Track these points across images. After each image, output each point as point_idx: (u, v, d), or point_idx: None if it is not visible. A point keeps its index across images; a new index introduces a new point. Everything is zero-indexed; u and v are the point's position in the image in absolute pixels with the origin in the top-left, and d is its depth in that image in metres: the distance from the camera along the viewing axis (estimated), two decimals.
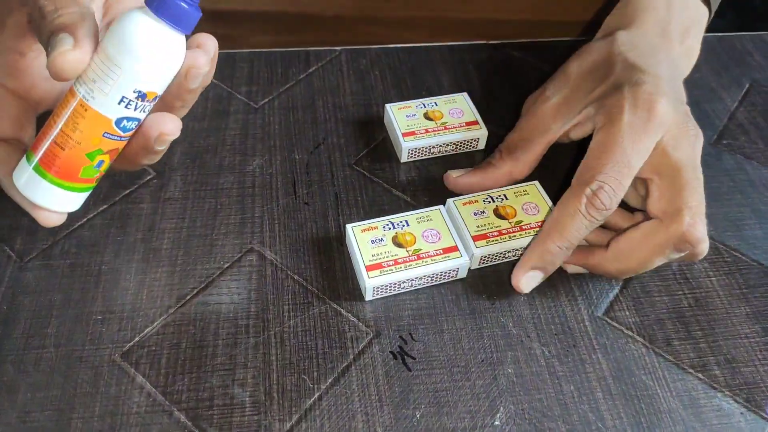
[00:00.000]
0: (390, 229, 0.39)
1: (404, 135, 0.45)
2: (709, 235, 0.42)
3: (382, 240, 0.39)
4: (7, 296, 0.38)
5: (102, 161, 0.34)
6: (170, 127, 0.34)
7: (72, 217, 0.42)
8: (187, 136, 0.47)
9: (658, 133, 0.37)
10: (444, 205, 0.41)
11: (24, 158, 0.35)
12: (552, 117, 0.41)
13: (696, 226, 0.36)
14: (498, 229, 0.39)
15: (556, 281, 0.40)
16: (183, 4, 0.31)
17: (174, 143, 0.46)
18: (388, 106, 0.47)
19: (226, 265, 0.39)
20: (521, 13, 0.75)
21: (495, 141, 0.47)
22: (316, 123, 0.48)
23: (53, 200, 0.35)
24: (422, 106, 0.47)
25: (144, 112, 0.34)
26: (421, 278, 0.38)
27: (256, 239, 0.41)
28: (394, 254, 0.38)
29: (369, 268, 0.37)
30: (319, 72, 0.52)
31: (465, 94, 0.48)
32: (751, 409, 0.35)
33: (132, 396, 0.34)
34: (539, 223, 0.40)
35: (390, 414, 0.34)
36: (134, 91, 0.32)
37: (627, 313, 0.38)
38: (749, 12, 0.62)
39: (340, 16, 0.69)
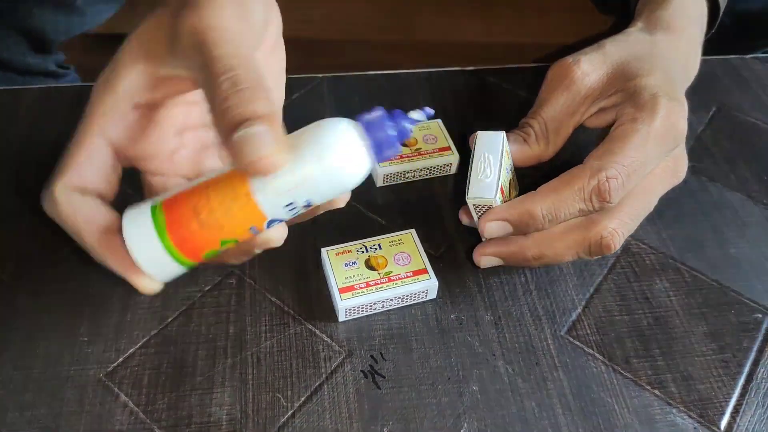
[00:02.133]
0: (363, 252, 0.41)
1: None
2: (671, 256, 0.44)
3: (355, 263, 0.40)
4: None
5: (235, 241, 0.32)
6: (278, 235, 0.32)
7: (61, 243, 0.44)
8: None
9: (674, 148, 0.38)
10: (414, 230, 0.43)
11: (148, 214, 0.31)
12: (583, 97, 0.40)
13: (615, 237, 0.37)
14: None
15: (522, 301, 0.41)
16: (392, 133, 0.30)
17: None
18: None
19: (206, 288, 0.41)
20: (502, 37, 0.77)
21: (468, 163, 0.50)
22: None
23: (160, 269, 0.32)
24: None
25: (293, 214, 0.31)
26: (391, 299, 0.40)
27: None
28: (366, 276, 0.40)
29: (342, 291, 0.39)
30: (301, 99, 0.54)
31: (439, 120, 0.50)
32: (704, 424, 0.36)
33: (115, 414, 0.36)
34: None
35: (360, 431, 0.35)
36: (306, 201, 0.30)
37: (588, 331, 0.40)
38: (720, 33, 0.64)
39: (326, 41, 0.71)
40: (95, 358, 0.38)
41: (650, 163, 0.37)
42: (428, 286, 0.40)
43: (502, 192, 0.38)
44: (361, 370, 0.38)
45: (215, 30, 0.29)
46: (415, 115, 0.32)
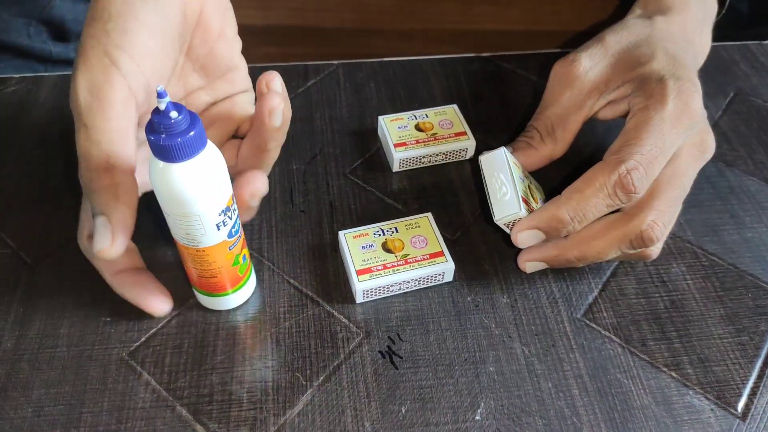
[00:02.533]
0: (380, 235, 0.41)
1: (396, 145, 0.47)
2: (688, 240, 0.44)
3: (372, 246, 0.41)
4: (23, 299, 0.40)
5: (244, 256, 0.38)
6: (259, 185, 0.36)
7: None
8: None
9: (691, 129, 0.37)
10: (430, 213, 0.43)
11: (195, 290, 0.40)
12: (589, 90, 0.40)
13: (655, 229, 0.37)
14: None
15: (538, 284, 0.42)
16: (179, 140, 0.30)
17: None
18: (381, 118, 0.49)
19: None
20: (517, 25, 0.77)
21: (484, 149, 0.50)
22: (314, 134, 0.51)
23: (241, 298, 0.40)
24: (413, 117, 0.49)
25: (235, 206, 0.35)
26: (408, 282, 0.40)
27: (255, 246, 0.43)
28: (383, 259, 0.40)
29: (360, 273, 0.39)
30: (317, 85, 0.55)
31: (455, 105, 0.50)
32: (721, 405, 0.37)
33: (138, 392, 0.36)
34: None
35: (377, 409, 0.36)
36: (218, 215, 0.34)
37: (605, 314, 0.40)
38: (737, 20, 0.64)
39: (341, 29, 0.71)
40: (117, 337, 0.39)
41: (670, 147, 0.37)
42: (445, 268, 0.40)
43: (525, 202, 0.39)
44: (379, 351, 0.38)
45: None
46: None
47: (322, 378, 0.37)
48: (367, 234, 0.42)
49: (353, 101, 0.53)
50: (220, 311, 0.40)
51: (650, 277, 0.42)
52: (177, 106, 0.30)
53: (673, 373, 0.38)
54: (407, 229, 0.42)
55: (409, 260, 0.40)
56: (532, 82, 0.56)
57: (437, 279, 0.41)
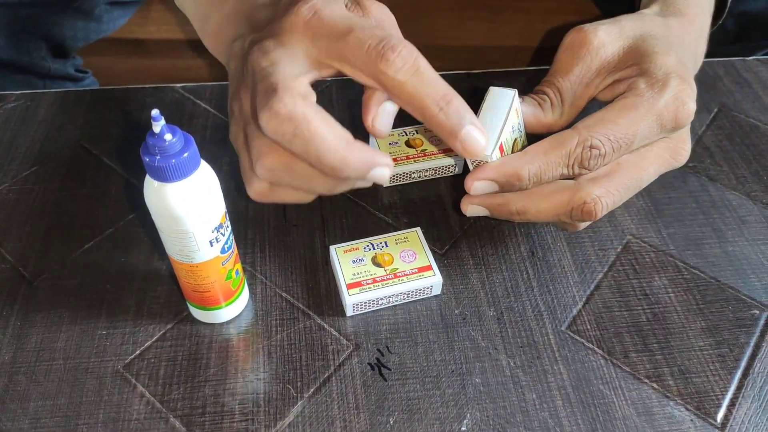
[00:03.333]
0: (370, 249, 0.43)
1: None
2: (670, 254, 0.45)
3: (362, 260, 0.42)
4: (21, 313, 0.41)
5: (237, 270, 0.39)
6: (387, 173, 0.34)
7: (81, 240, 0.45)
8: None
9: (674, 131, 0.38)
10: (419, 228, 0.44)
11: (189, 304, 0.41)
12: (598, 70, 0.40)
13: (597, 205, 0.37)
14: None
15: (524, 297, 0.43)
16: (174, 162, 0.31)
17: None
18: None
19: None
20: (509, 40, 0.79)
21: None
22: None
23: (233, 311, 0.41)
24: (404, 134, 0.50)
25: (227, 222, 0.37)
26: (397, 295, 0.41)
27: (248, 260, 0.44)
28: (373, 273, 0.41)
29: (350, 286, 0.41)
30: None
31: None
32: (701, 416, 0.38)
33: (132, 404, 0.37)
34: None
35: (366, 420, 0.37)
36: (211, 232, 0.35)
37: (588, 327, 0.41)
38: (722, 37, 0.65)
39: None
40: (113, 350, 0.40)
41: (640, 140, 0.37)
42: (433, 282, 0.41)
43: (501, 151, 0.38)
44: (368, 363, 0.39)
45: None
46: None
47: (312, 390, 0.38)
48: (357, 248, 0.43)
49: (346, 118, 0.55)
50: (213, 324, 0.41)
51: (633, 290, 0.43)
52: (171, 129, 0.31)
53: (655, 385, 0.39)
54: (396, 243, 0.43)
55: (398, 274, 0.41)
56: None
57: (426, 292, 0.42)
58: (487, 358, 0.40)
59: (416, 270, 0.42)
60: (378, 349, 0.40)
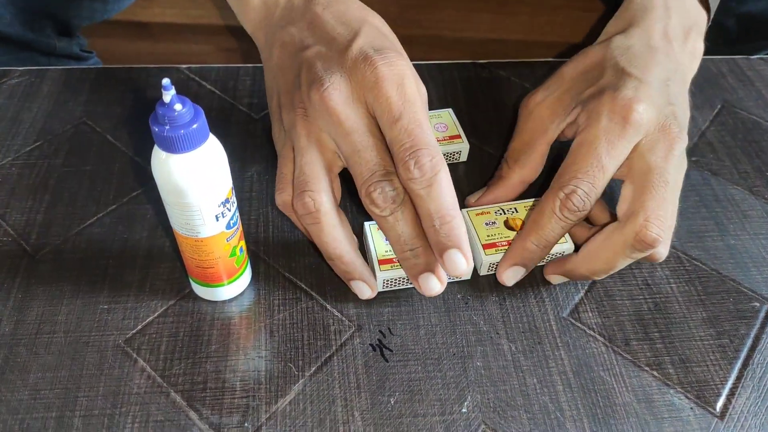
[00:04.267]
0: None
1: None
2: (673, 245, 0.46)
3: None
4: (22, 286, 0.41)
5: (241, 248, 0.39)
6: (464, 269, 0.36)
7: (83, 216, 0.45)
8: None
9: (634, 137, 0.39)
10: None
11: (191, 281, 0.41)
12: (548, 118, 0.43)
13: (649, 227, 0.37)
14: (507, 239, 0.42)
15: (526, 284, 0.43)
16: (182, 132, 0.31)
17: None
18: None
19: None
20: (514, 34, 0.79)
21: (477, 153, 0.51)
22: None
23: (236, 289, 0.41)
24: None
25: (234, 198, 0.36)
26: None
27: (252, 239, 0.44)
28: None
29: (381, 262, 0.40)
30: None
31: (450, 109, 0.52)
32: (701, 405, 0.38)
33: (133, 378, 0.37)
34: None
35: (367, 400, 0.37)
36: (217, 206, 0.35)
37: (590, 314, 0.42)
38: (725, 36, 0.66)
39: None
40: (114, 325, 0.40)
41: (610, 161, 0.38)
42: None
43: (492, 245, 0.42)
44: (370, 344, 0.39)
45: None
46: None
47: (313, 369, 0.38)
48: None
49: None
50: (215, 302, 0.41)
51: (635, 279, 0.44)
52: (181, 99, 0.31)
53: (655, 373, 0.39)
54: None
55: None
56: (526, 89, 0.57)
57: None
58: (488, 342, 0.40)
59: None
60: (380, 331, 0.40)
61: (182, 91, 0.55)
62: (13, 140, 0.50)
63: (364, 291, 0.40)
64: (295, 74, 0.39)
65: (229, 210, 0.36)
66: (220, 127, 0.52)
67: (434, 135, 0.50)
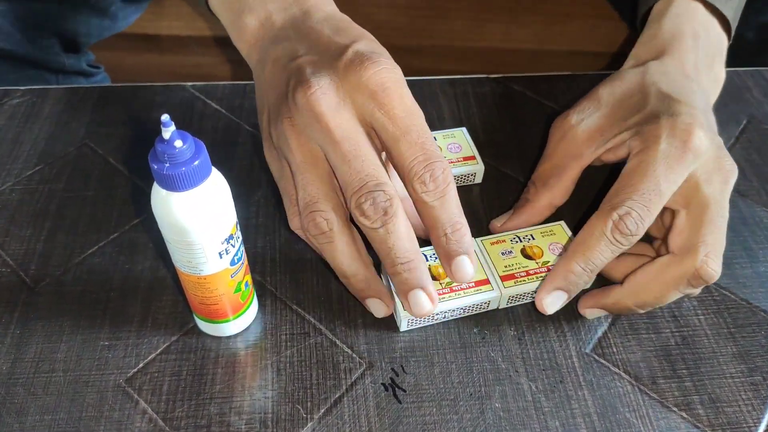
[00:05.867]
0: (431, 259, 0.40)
1: None
2: None
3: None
4: (21, 321, 0.40)
5: (246, 282, 0.37)
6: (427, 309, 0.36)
7: (83, 244, 0.44)
8: None
9: (692, 164, 0.37)
10: (474, 239, 0.42)
11: (195, 316, 0.39)
12: (585, 142, 0.42)
13: (710, 264, 0.36)
14: (526, 269, 0.40)
15: (546, 316, 0.41)
16: (183, 170, 0.29)
17: None
18: None
19: None
20: (526, 43, 0.76)
21: (493, 173, 0.49)
22: None
23: (242, 325, 0.39)
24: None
25: (239, 233, 0.35)
26: (453, 311, 0.39)
27: (258, 270, 0.43)
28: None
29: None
30: None
31: (464, 129, 0.50)
32: None
33: (134, 421, 0.36)
34: (470, 284, 0.40)
35: None
36: (221, 243, 0.33)
37: (614, 350, 0.39)
38: (743, 46, 0.63)
39: None
40: (115, 363, 0.38)
41: (667, 186, 0.37)
42: (490, 297, 0.39)
43: (511, 277, 0.40)
44: (382, 383, 0.37)
45: None
46: None
47: (323, 411, 0.36)
48: None
49: None
50: (220, 338, 0.39)
51: (661, 311, 0.41)
52: (182, 135, 0.29)
53: (684, 414, 0.37)
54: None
55: (454, 288, 0.39)
56: (543, 105, 0.55)
57: (482, 307, 0.40)
58: (507, 381, 0.38)
59: (473, 284, 0.39)
60: (392, 369, 0.38)
61: (187, 110, 0.53)
62: (13, 164, 0.49)
63: (380, 309, 0.38)
64: (285, 84, 0.37)
65: (233, 246, 0.34)
66: (225, 149, 0.50)
67: (447, 156, 0.48)
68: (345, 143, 0.35)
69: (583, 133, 0.42)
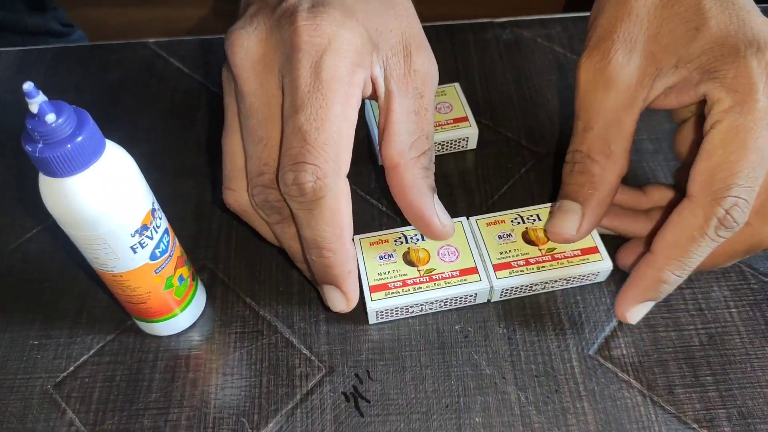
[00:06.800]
0: (402, 243, 0.34)
1: None
2: None
3: (392, 256, 0.34)
4: None
5: (181, 276, 0.32)
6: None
7: (21, 229, 0.39)
8: (150, 134, 0.43)
9: None
10: (466, 218, 0.36)
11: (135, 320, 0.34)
12: (638, 83, 0.31)
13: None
14: (525, 257, 0.34)
15: (543, 310, 0.34)
16: (63, 150, 0.24)
17: (133, 143, 0.42)
18: (368, 100, 0.41)
19: None
20: None
21: (492, 137, 0.42)
22: None
23: (183, 323, 0.34)
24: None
25: (160, 221, 0.29)
26: (431, 303, 0.33)
27: (210, 255, 0.37)
28: (404, 274, 0.33)
29: (374, 289, 0.33)
30: None
31: (456, 84, 0.43)
32: None
33: None
34: (575, 252, 0.34)
35: None
36: (131, 236, 0.28)
37: (624, 351, 0.33)
38: None
39: None
40: (44, 366, 0.33)
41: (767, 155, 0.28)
42: (478, 288, 0.33)
43: (506, 266, 0.34)
44: (342, 392, 0.32)
45: None
46: None
47: (271, 425, 0.31)
48: (386, 240, 0.35)
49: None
50: (160, 337, 0.34)
51: (684, 303, 0.34)
52: (56, 106, 0.24)
53: (705, 431, 0.30)
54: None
55: (434, 276, 0.33)
56: (557, 54, 0.47)
57: (468, 301, 0.34)
58: (491, 390, 0.32)
59: (457, 272, 0.33)
60: (356, 374, 0.32)
61: (146, 69, 0.47)
62: None
63: (337, 302, 0.32)
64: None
65: (151, 238, 0.29)
66: (185, 114, 0.44)
67: (436, 118, 0.41)
68: (252, 119, 0.29)
69: (634, 73, 0.31)
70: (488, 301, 0.35)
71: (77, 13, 0.74)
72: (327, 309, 0.34)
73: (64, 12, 0.67)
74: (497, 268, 0.34)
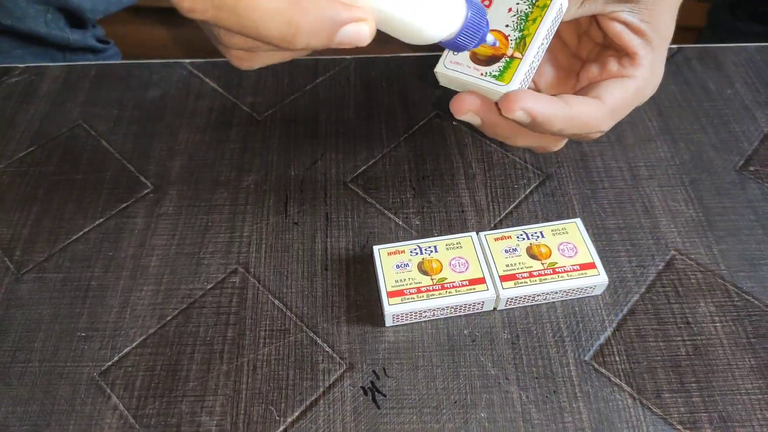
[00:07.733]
0: (417, 254, 0.38)
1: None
2: (720, 274, 0.39)
3: (407, 265, 0.38)
4: (1, 308, 0.39)
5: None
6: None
7: (69, 230, 0.43)
8: (188, 148, 0.47)
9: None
10: (476, 233, 0.39)
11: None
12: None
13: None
14: (529, 270, 0.38)
15: (545, 319, 0.38)
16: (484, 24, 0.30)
17: (172, 155, 0.46)
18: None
19: (209, 286, 0.40)
20: None
21: (498, 160, 0.46)
22: (317, 137, 0.48)
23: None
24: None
25: None
26: (443, 309, 0.37)
27: (242, 259, 0.41)
28: (418, 282, 0.37)
29: (391, 295, 0.36)
30: (326, 82, 0.51)
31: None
32: None
33: (105, 416, 0.35)
34: (574, 267, 0.38)
35: None
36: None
37: (617, 358, 0.36)
38: None
39: None
40: (90, 355, 0.37)
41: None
42: (484, 297, 0.37)
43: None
44: (361, 386, 0.35)
45: None
46: (489, 38, 0.32)
47: (297, 413, 0.34)
48: (402, 251, 0.38)
49: (362, 100, 0.50)
50: (197, 332, 0.38)
51: (673, 316, 0.38)
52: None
53: None
54: (447, 249, 0.38)
55: (445, 285, 0.37)
56: None
57: (476, 308, 0.37)
58: (496, 389, 0.35)
59: (467, 282, 0.37)
60: (374, 371, 0.36)
61: (183, 89, 0.51)
62: (6, 145, 0.48)
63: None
64: None
65: None
66: (219, 131, 0.48)
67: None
68: None
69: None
70: (494, 309, 0.38)
71: (110, 30, 0.78)
72: (349, 310, 0.38)
73: (102, 29, 0.71)
74: (503, 279, 0.37)
